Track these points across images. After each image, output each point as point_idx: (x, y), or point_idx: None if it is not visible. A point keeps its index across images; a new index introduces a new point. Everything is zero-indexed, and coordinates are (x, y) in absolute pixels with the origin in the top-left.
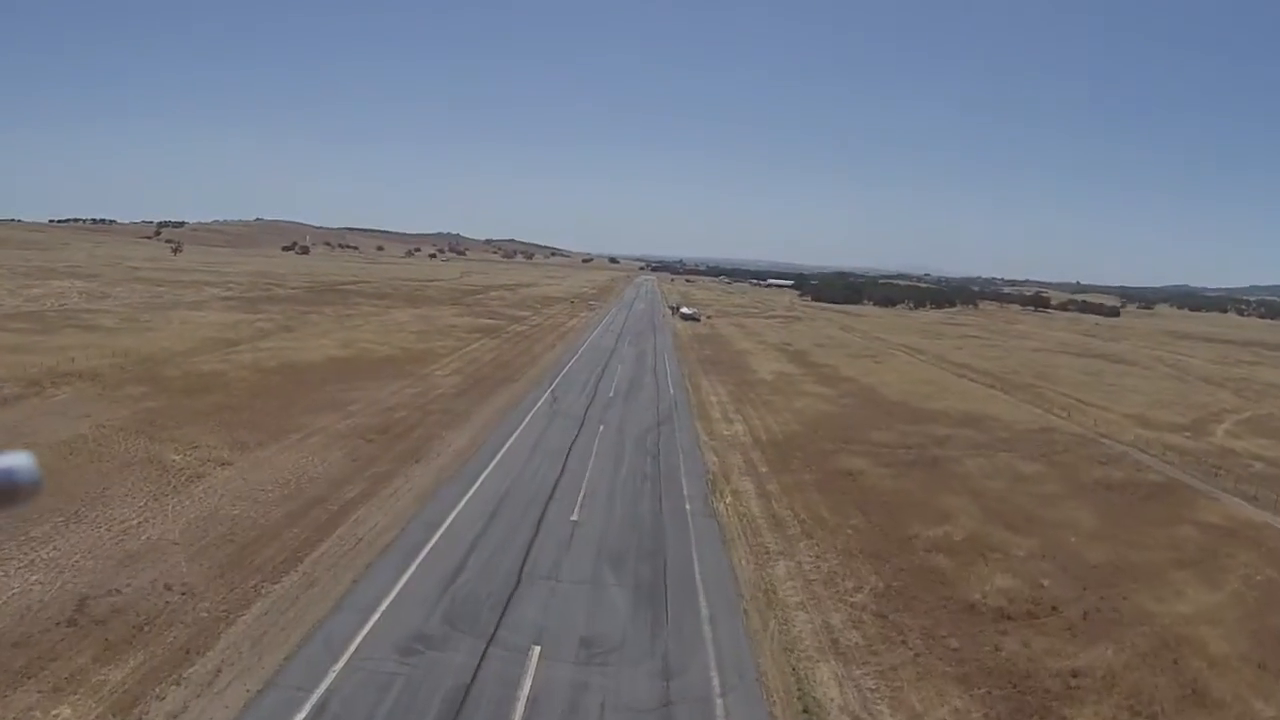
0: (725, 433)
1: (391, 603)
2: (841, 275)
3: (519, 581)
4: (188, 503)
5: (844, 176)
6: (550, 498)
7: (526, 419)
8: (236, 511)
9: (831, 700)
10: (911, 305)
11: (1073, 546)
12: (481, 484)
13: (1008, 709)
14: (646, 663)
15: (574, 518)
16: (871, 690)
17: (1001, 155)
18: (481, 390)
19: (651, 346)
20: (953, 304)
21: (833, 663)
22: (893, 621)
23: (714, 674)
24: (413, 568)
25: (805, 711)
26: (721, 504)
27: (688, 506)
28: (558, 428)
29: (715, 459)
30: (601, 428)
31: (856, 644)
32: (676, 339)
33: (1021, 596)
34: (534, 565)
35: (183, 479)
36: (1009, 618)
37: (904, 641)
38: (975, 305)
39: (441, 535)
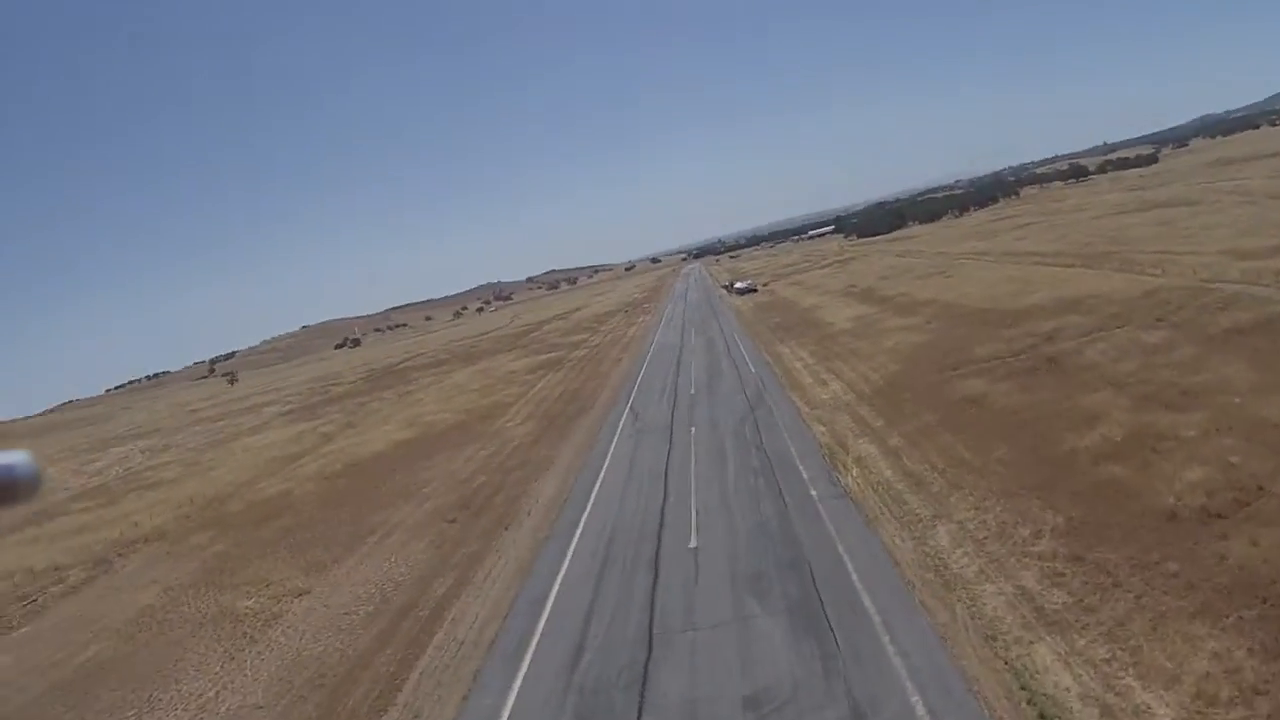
0: (823, 396)
1: (510, 716)
2: (879, 205)
3: (651, 644)
4: (266, 653)
5: (855, 106)
6: (661, 527)
7: (612, 445)
8: (320, 648)
9: (1067, 690)
10: (956, 213)
11: (1241, 410)
12: (582, 534)
13: (1274, 633)
14: (830, 710)
15: (692, 544)
16: (1106, 661)
17: (1002, 39)
18: (557, 430)
19: (718, 330)
20: (995, 200)
21: (1048, 639)
22: (1093, 562)
23: (915, 699)
24: (526, 662)
25: (1042, 717)
26: (848, 478)
27: (813, 492)
28: (648, 445)
29: (823, 429)
30: (693, 430)
31: (1065, 604)
32: (740, 315)
33: (1218, 485)
34: (663, 618)
35: (258, 625)
36: (1218, 515)
37: (1116, 584)
38: (1017, 195)
39: (551, 610)
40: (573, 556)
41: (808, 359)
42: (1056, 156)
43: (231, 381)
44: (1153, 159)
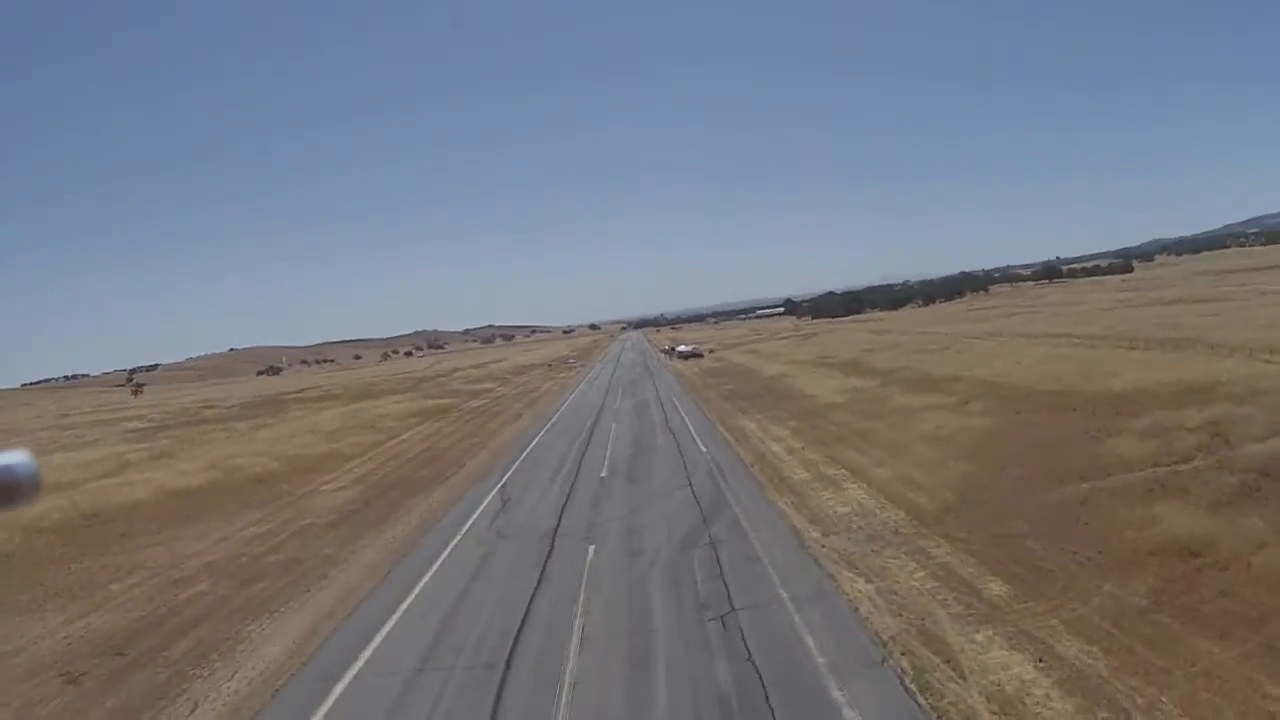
0: (839, 509)
1: None
2: (829, 294)
3: None
4: None
5: (803, 206)
6: None
7: (442, 557)
8: None
9: None
10: (920, 302)
11: None
12: None
13: None
14: None
15: None
16: None
17: (953, 147)
18: (380, 508)
19: (653, 395)
20: (961, 294)
21: None
22: None
23: None
24: None
25: None
26: None
27: None
28: (500, 573)
29: (866, 588)
30: (591, 552)
31: None
32: (682, 379)
33: None
34: None
35: None
36: None
37: None
38: (985, 290)
39: None
40: None
41: (791, 441)
42: (1008, 266)
43: (135, 393)
44: (1127, 268)
